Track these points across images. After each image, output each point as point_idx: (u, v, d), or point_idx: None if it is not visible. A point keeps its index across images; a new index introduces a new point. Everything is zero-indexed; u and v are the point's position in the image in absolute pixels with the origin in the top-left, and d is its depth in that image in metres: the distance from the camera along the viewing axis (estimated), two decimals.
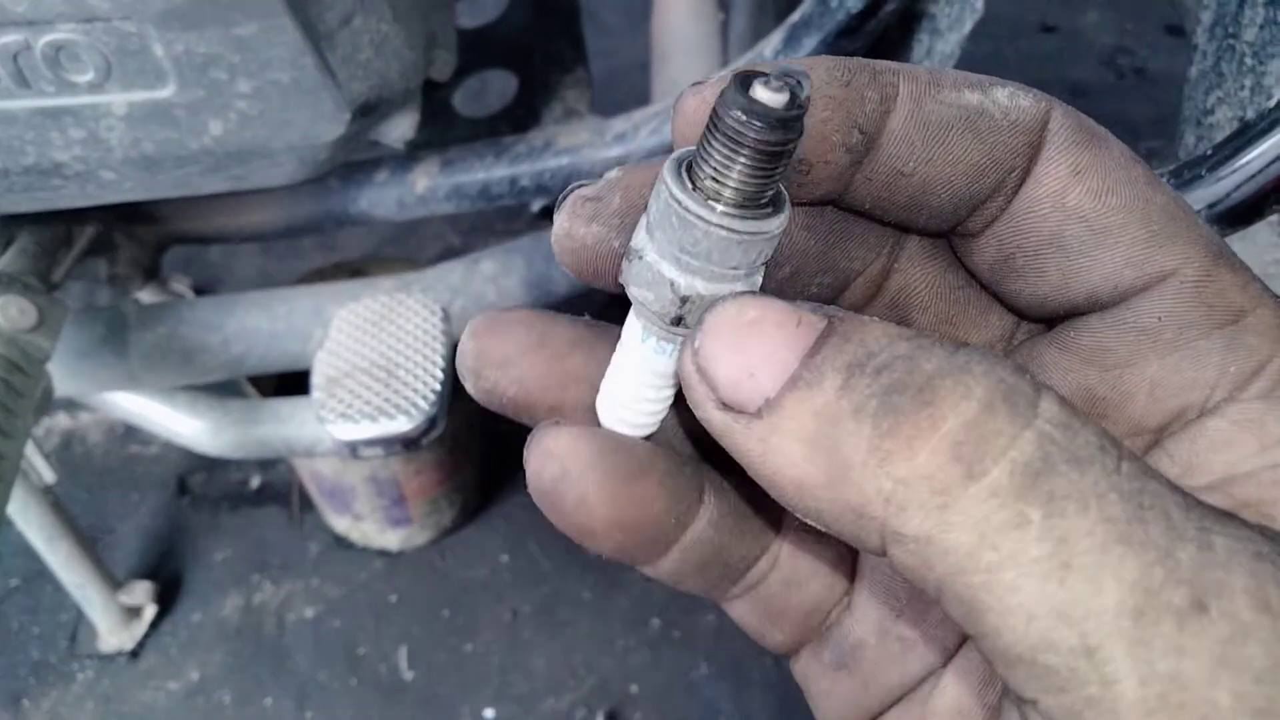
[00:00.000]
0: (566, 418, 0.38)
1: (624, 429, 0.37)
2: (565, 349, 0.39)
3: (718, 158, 0.31)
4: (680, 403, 0.35)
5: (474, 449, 2.05)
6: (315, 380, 1.09)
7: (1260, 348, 0.33)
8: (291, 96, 0.91)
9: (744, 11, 1.52)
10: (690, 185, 0.31)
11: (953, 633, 0.40)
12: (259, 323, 1.23)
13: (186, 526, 2.11)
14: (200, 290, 2.31)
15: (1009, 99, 0.34)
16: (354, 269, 1.81)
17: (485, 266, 1.27)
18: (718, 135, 0.30)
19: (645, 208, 0.33)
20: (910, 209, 0.36)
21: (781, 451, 0.29)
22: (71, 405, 2.23)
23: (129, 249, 1.28)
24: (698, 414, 0.31)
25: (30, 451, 1.46)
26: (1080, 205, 0.34)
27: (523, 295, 1.27)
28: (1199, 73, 0.98)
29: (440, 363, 1.08)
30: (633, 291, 0.34)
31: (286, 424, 1.25)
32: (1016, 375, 0.28)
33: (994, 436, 0.26)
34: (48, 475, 1.55)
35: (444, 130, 1.36)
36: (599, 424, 0.38)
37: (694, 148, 0.32)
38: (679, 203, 0.31)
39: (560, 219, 0.36)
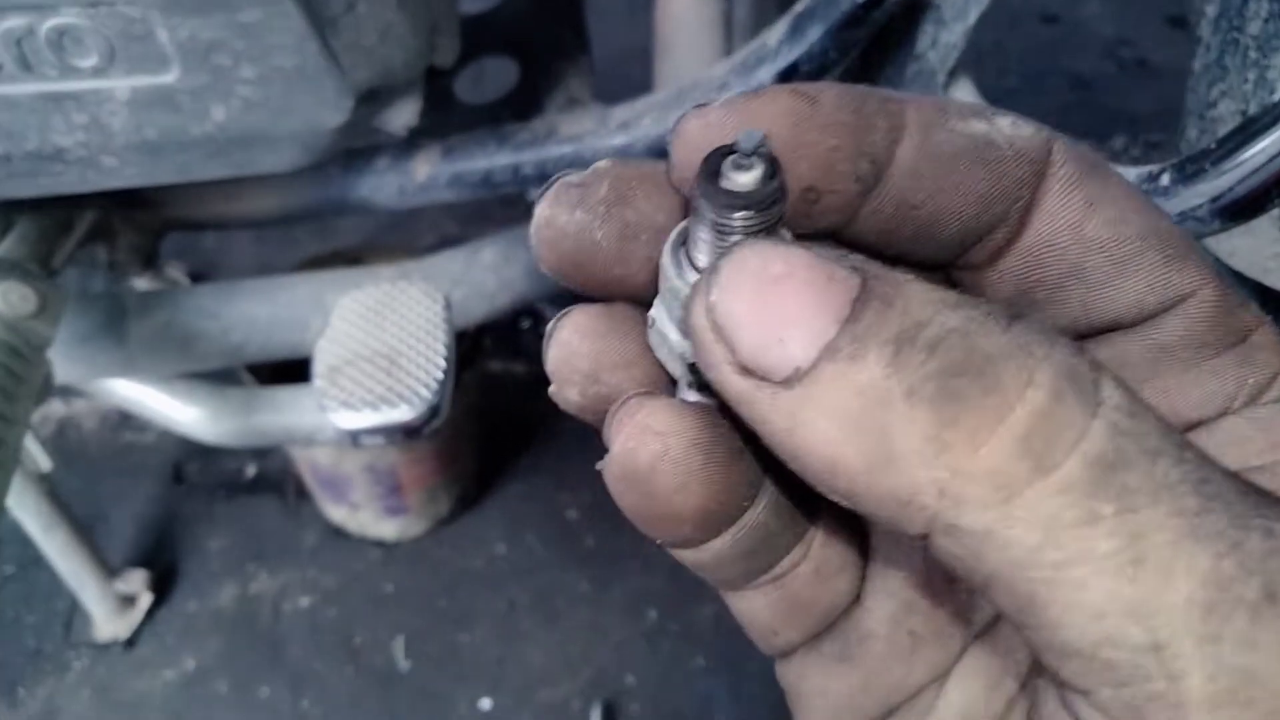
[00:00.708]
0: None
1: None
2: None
3: (710, 244, 0.31)
4: None
5: (471, 439, 2.05)
6: (317, 368, 1.08)
7: (1270, 362, 0.35)
8: (295, 83, 0.90)
9: (747, 0, 1.51)
10: (688, 264, 0.32)
11: (964, 630, 0.39)
12: (259, 310, 1.22)
13: (182, 515, 2.11)
14: (196, 277, 2.30)
15: (1012, 128, 0.33)
16: (351, 256, 1.80)
17: (486, 255, 1.27)
18: (704, 222, 0.30)
19: (628, 199, 0.34)
20: (916, 241, 0.35)
21: (813, 428, 0.27)
22: (66, 392, 2.21)
23: (128, 235, 1.28)
24: (708, 375, 0.29)
25: (26, 439, 1.46)
26: (1099, 236, 0.34)
27: (524, 284, 1.27)
28: (1202, 66, 0.98)
29: (442, 351, 1.08)
30: (657, 356, 0.34)
31: (285, 412, 1.24)
32: (1077, 356, 0.27)
33: (1064, 428, 0.25)
34: (43, 463, 1.55)
35: (444, 118, 1.36)
36: None
37: (687, 224, 0.32)
38: (679, 289, 0.31)
39: (541, 207, 0.34)
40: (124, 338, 1.20)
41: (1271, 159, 0.75)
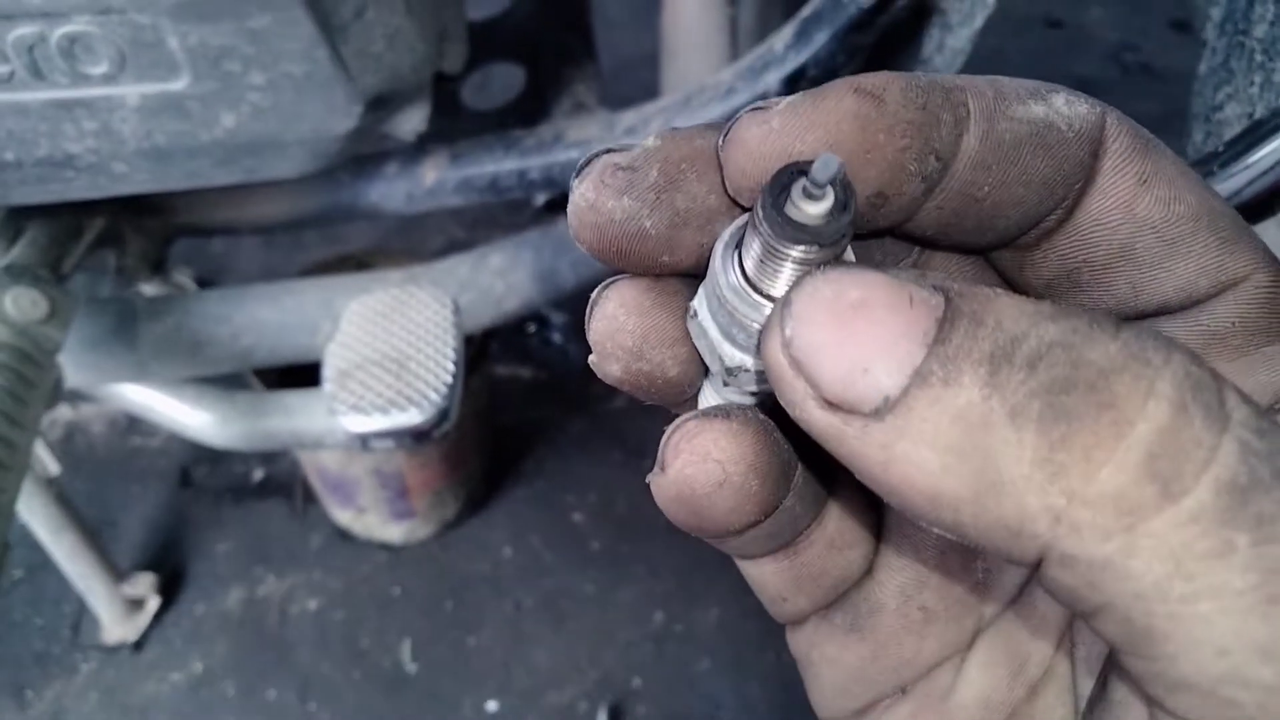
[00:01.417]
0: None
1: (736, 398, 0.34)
2: None
3: (765, 262, 0.29)
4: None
5: (478, 443, 2.05)
6: (327, 373, 1.09)
7: None
8: (304, 89, 0.91)
9: (753, 5, 1.52)
10: (740, 275, 0.30)
11: (975, 612, 0.39)
12: (268, 315, 1.23)
13: (189, 519, 2.12)
14: (204, 283, 2.31)
15: (1069, 107, 0.31)
16: (358, 261, 1.81)
17: (493, 260, 1.27)
18: (761, 242, 0.29)
19: (679, 184, 0.31)
20: (976, 233, 0.33)
21: (911, 460, 0.25)
22: (74, 397, 2.22)
23: (137, 241, 1.29)
24: (793, 414, 0.27)
25: (35, 443, 1.47)
26: (1150, 215, 0.32)
27: (531, 289, 1.27)
28: (1208, 69, 0.99)
29: (451, 355, 1.08)
30: (695, 345, 0.33)
31: (294, 416, 1.25)
32: (1198, 364, 0.24)
33: (1193, 447, 0.23)
34: (52, 467, 1.56)
35: (452, 123, 1.36)
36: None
37: (743, 229, 0.30)
38: (727, 297, 0.30)
39: (584, 187, 0.31)
40: (134, 342, 1.20)
41: (1278, 162, 0.75)
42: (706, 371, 0.35)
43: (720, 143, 0.31)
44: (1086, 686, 0.37)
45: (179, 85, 0.89)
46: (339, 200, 1.28)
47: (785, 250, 0.28)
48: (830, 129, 0.29)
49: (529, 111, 1.36)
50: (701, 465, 0.31)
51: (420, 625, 1.95)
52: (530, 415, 2.27)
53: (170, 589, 1.98)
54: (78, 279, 1.30)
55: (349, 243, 2.40)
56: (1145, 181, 0.32)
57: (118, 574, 1.88)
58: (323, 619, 1.96)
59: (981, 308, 0.25)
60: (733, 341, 0.31)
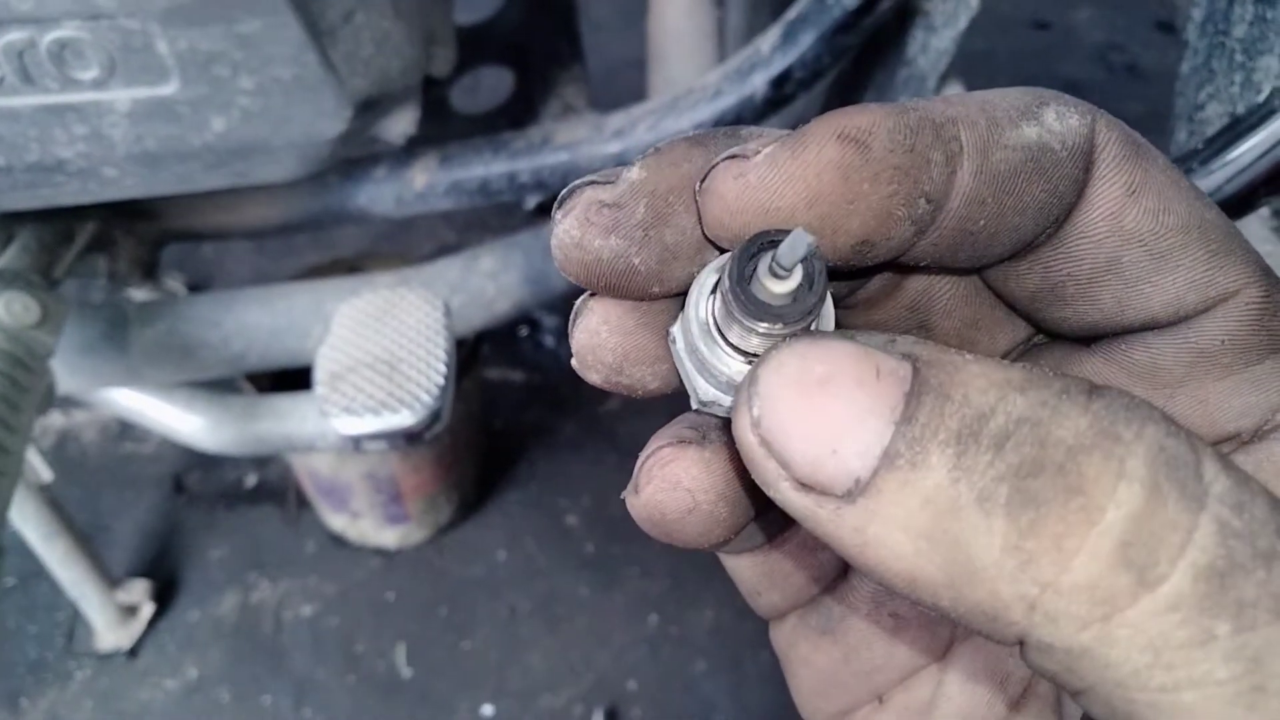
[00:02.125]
0: None
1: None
2: None
3: (733, 326, 0.29)
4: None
5: (471, 447, 2.05)
6: (318, 375, 1.09)
7: None
8: (293, 93, 0.91)
9: (740, 8, 1.53)
10: (713, 323, 0.30)
11: (948, 622, 0.38)
12: (259, 319, 1.23)
13: (183, 525, 2.12)
14: (194, 288, 2.31)
15: (1060, 122, 0.30)
16: (350, 265, 1.81)
17: (484, 262, 1.28)
18: (733, 312, 0.29)
19: (667, 218, 0.30)
20: (969, 261, 0.32)
21: (885, 544, 0.24)
22: (67, 404, 2.23)
23: (128, 246, 1.29)
24: (769, 494, 0.26)
25: (28, 449, 1.46)
26: (1138, 228, 0.31)
27: (522, 291, 1.28)
28: (1190, 69, 1.00)
29: (443, 356, 1.09)
30: (676, 367, 0.33)
31: (286, 420, 1.25)
32: (1172, 435, 0.23)
33: (1167, 531, 0.22)
34: (44, 474, 1.56)
35: (441, 127, 1.37)
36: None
37: (719, 272, 0.30)
38: (698, 346, 0.30)
39: (568, 225, 0.31)
40: (126, 347, 1.20)
41: (1258, 158, 0.76)
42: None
43: (697, 188, 0.30)
44: (1070, 706, 0.37)
45: (169, 90, 0.89)
46: (328, 204, 1.28)
47: (749, 325, 0.29)
48: (810, 182, 0.28)
49: (518, 114, 1.37)
50: (671, 493, 0.31)
51: (415, 630, 1.95)
52: (523, 418, 2.28)
53: (164, 595, 1.98)
54: (69, 284, 1.31)
55: (339, 248, 2.40)
56: (1134, 192, 0.31)
57: (111, 581, 1.88)
58: (317, 624, 1.96)
59: (949, 379, 0.24)
60: (706, 378, 0.31)
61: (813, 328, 0.29)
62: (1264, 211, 0.90)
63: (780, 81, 1.05)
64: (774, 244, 0.28)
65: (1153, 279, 0.31)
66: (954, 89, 1.07)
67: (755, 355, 0.30)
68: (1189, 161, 0.80)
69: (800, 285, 0.28)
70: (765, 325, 0.28)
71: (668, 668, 1.88)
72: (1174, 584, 0.22)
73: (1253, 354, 0.32)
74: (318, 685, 1.87)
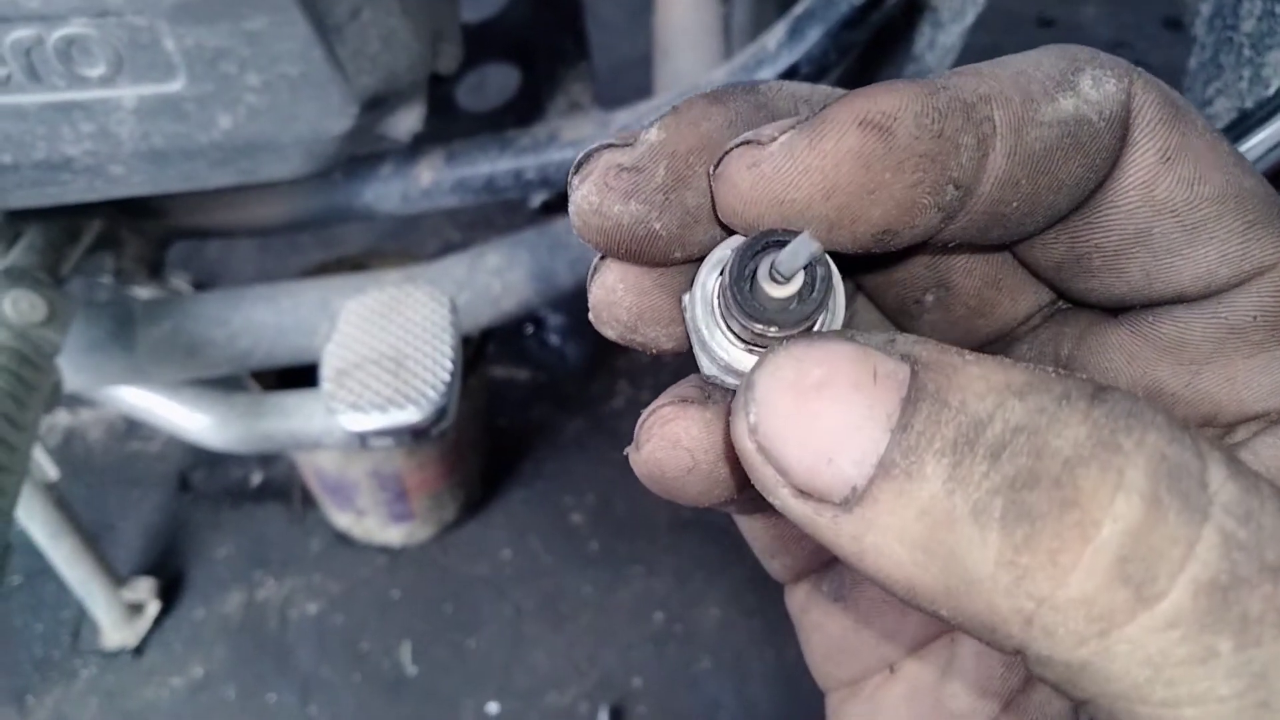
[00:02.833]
0: None
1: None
2: None
3: (735, 322, 0.29)
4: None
5: (476, 445, 2.05)
6: (324, 372, 1.09)
7: None
8: (300, 90, 0.91)
9: (746, 4, 1.52)
10: (717, 308, 0.30)
11: None
12: (265, 316, 1.23)
13: (188, 523, 2.12)
14: (200, 287, 2.31)
15: (1096, 89, 0.29)
16: (355, 263, 1.81)
17: (490, 259, 1.28)
18: (730, 308, 0.28)
19: (688, 181, 0.29)
20: (1001, 239, 0.31)
21: (883, 553, 0.24)
22: (72, 402, 2.23)
23: (134, 244, 1.29)
24: (769, 499, 0.26)
25: (34, 446, 1.47)
26: (1171, 197, 0.29)
27: (528, 288, 1.28)
28: (1198, 64, 0.99)
29: (449, 353, 1.09)
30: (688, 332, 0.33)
31: (292, 417, 1.25)
32: (1175, 440, 0.23)
33: (1167, 546, 0.21)
34: (50, 472, 1.56)
35: (448, 124, 1.37)
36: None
37: (726, 256, 0.30)
38: (700, 329, 0.30)
39: (586, 190, 0.29)
40: (132, 345, 1.20)
41: (1267, 152, 0.76)
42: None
43: (711, 171, 0.29)
44: None
45: (175, 87, 0.89)
46: (334, 202, 1.28)
47: (745, 324, 0.28)
48: (828, 173, 0.27)
49: (524, 112, 1.37)
50: (670, 451, 0.31)
51: (420, 628, 1.95)
52: (528, 416, 2.28)
53: (170, 594, 1.98)
54: (77, 282, 1.31)
55: (345, 246, 2.40)
56: (1168, 159, 0.29)
57: (117, 579, 1.88)
58: (323, 622, 1.96)
59: (947, 383, 0.24)
60: (708, 356, 0.31)
61: (818, 325, 0.29)
62: None
63: (786, 78, 1.05)
64: (779, 244, 0.27)
65: (1183, 251, 0.30)
66: None
67: (754, 345, 0.30)
68: None
69: (800, 290, 0.27)
70: (760, 327, 0.28)
71: (673, 665, 1.88)
72: (1174, 600, 0.21)
73: None
74: (323, 683, 1.88)
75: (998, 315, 0.36)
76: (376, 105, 1.00)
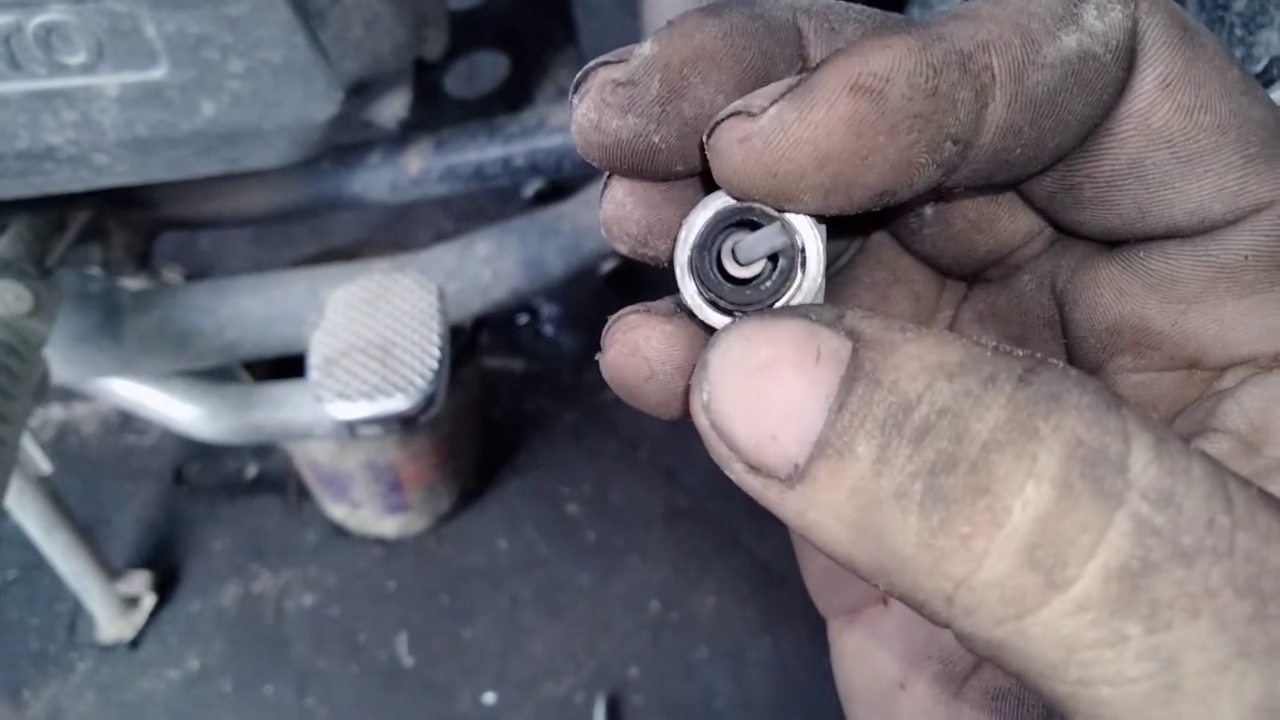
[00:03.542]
0: None
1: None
2: None
3: (701, 287, 0.29)
4: None
5: (471, 435, 2.05)
6: (312, 360, 1.09)
7: None
8: (283, 75, 0.91)
9: None
10: (688, 263, 0.30)
11: None
12: (253, 307, 1.23)
13: (183, 516, 2.11)
14: (192, 279, 2.30)
15: (1101, 19, 0.28)
16: (347, 254, 1.81)
17: (480, 248, 1.27)
18: (697, 273, 0.29)
19: (684, 92, 0.29)
20: (1006, 180, 0.31)
21: (823, 529, 0.24)
22: (67, 396, 2.22)
23: (122, 234, 1.28)
24: (725, 472, 0.27)
25: (26, 442, 1.46)
26: (1167, 126, 0.28)
27: (519, 276, 1.27)
28: None
29: (437, 340, 1.08)
30: None
31: (282, 408, 1.25)
32: (1099, 424, 0.22)
33: (1077, 533, 0.22)
34: (44, 466, 1.55)
35: (436, 113, 1.36)
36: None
37: (703, 244, 0.30)
38: (676, 272, 0.30)
39: (585, 108, 0.29)
40: (120, 336, 1.20)
41: None
42: None
43: (705, 140, 0.29)
44: None
45: (158, 74, 0.88)
46: (323, 191, 1.28)
47: (704, 293, 0.29)
48: (819, 144, 0.26)
49: (512, 98, 1.36)
50: (630, 359, 0.31)
51: (416, 618, 1.95)
52: (523, 407, 2.27)
53: (165, 587, 1.98)
54: (64, 273, 1.30)
55: (337, 237, 2.40)
56: (1169, 85, 0.28)
57: (112, 572, 1.88)
58: (319, 614, 1.96)
59: (883, 361, 0.24)
60: (683, 292, 0.31)
61: (784, 300, 0.29)
62: None
63: None
64: (748, 225, 0.27)
65: (1176, 185, 0.29)
66: None
67: (713, 300, 0.30)
68: None
69: (759, 274, 0.27)
70: (719, 299, 0.28)
71: (669, 654, 1.88)
72: (1084, 586, 0.21)
73: (1278, 273, 0.29)
74: (320, 675, 1.88)
75: (997, 231, 0.36)
76: (361, 91, 1.00)
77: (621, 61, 0.29)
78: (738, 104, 0.28)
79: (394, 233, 2.56)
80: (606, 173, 0.33)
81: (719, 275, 0.29)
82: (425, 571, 2.03)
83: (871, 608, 0.39)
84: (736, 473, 0.26)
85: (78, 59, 0.86)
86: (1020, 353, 0.24)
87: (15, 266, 1.05)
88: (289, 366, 1.38)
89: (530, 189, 2.53)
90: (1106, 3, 0.28)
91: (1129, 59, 0.28)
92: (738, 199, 0.29)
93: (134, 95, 0.90)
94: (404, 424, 1.05)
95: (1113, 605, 0.21)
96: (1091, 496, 0.22)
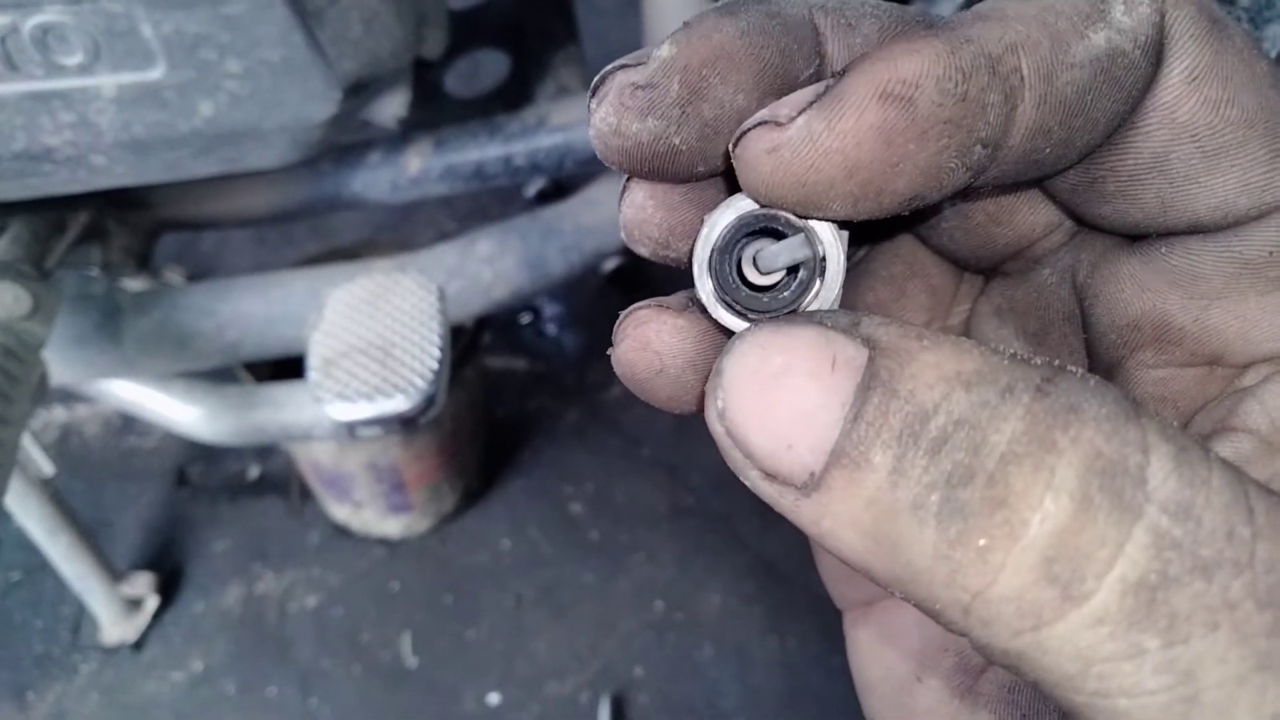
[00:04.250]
0: None
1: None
2: None
3: (719, 290, 0.29)
4: None
5: (473, 435, 2.04)
6: (311, 361, 1.08)
7: None
8: (282, 75, 0.90)
9: None
10: (707, 263, 0.30)
11: None
12: (253, 307, 1.22)
13: (186, 518, 2.11)
14: (194, 280, 2.30)
15: (1129, 14, 0.27)
16: (349, 255, 1.80)
17: (481, 247, 1.27)
18: (715, 277, 0.29)
19: (703, 94, 0.29)
20: (1035, 178, 0.31)
21: (839, 537, 0.24)
22: (69, 398, 2.23)
23: (121, 236, 1.28)
24: (741, 479, 0.27)
25: (29, 444, 1.46)
26: (1193, 120, 0.28)
27: (520, 276, 1.27)
28: None
29: (437, 341, 1.08)
30: None
31: (283, 409, 1.24)
32: (1119, 436, 0.22)
33: (1094, 547, 0.21)
34: (46, 468, 1.55)
35: (436, 112, 1.35)
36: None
37: (723, 248, 0.30)
38: (694, 271, 0.30)
39: (604, 111, 0.29)
40: (119, 337, 1.20)
41: None
42: None
43: (731, 149, 0.29)
44: None
45: (155, 75, 0.88)
46: (323, 191, 1.27)
47: (722, 297, 0.29)
48: (849, 153, 0.26)
49: (513, 97, 1.35)
50: (641, 353, 0.31)
51: (420, 619, 1.95)
52: (526, 406, 2.27)
53: (169, 588, 1.98)
54: (63, 275, 1.30)
55: (338, 238, 2.39)
56: (1195, 78, 0.28)
57: (116, 574, 1.88)
58: (322, 615, 1.96)
59: (900, 370, 0.24)
60: (699, 289, 0.31)
61: (804, 305, 0.29)
62: None
63: None
64: (771, 234, 0.27)
65: (1201, 179, 0.28)
66: None
67: (732, 308, 0.30)
68: None
69: (778, 284, 0.27)
70: (735, 303, 0.28)
71: (674, 653, 1.87)
72: (1101, 599, 0.21)
73: None
74: (323, 675, 1.87)
75: (1016, 224, 0.35)
76: (360, 90, 0.99)
77: (640, 64, 0.29)
78: (764, 113, 0.27)
79: (397, 233, 2.56)
80: (626, 176, 0.32)
81: (737, 280, 0.29)
82: (428, 572, 2.02)
83: (887, 600, 0.39)
84: (752, 480, 0.26)
85: (75, 60, 0.86)
86: (1038, 361, 0.24)
87: (14, 268, 1.04)
88: (292, 367, 1.38)
89: (532, 188, 2.52)
90: None
91: (1157, 53, 0.28)
92: (762, 205, 0.29)
93: (131, 96, 0.89)
94: (404, 425, 1.05)
95: (1130, 619, 0.21)
96: (1110, 510, 0.22)
